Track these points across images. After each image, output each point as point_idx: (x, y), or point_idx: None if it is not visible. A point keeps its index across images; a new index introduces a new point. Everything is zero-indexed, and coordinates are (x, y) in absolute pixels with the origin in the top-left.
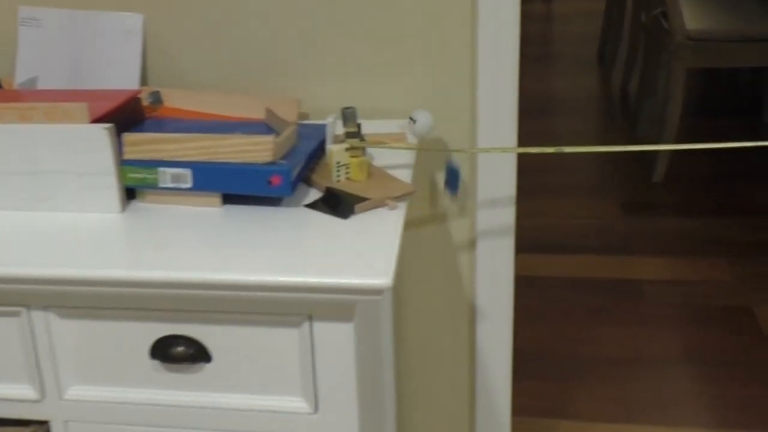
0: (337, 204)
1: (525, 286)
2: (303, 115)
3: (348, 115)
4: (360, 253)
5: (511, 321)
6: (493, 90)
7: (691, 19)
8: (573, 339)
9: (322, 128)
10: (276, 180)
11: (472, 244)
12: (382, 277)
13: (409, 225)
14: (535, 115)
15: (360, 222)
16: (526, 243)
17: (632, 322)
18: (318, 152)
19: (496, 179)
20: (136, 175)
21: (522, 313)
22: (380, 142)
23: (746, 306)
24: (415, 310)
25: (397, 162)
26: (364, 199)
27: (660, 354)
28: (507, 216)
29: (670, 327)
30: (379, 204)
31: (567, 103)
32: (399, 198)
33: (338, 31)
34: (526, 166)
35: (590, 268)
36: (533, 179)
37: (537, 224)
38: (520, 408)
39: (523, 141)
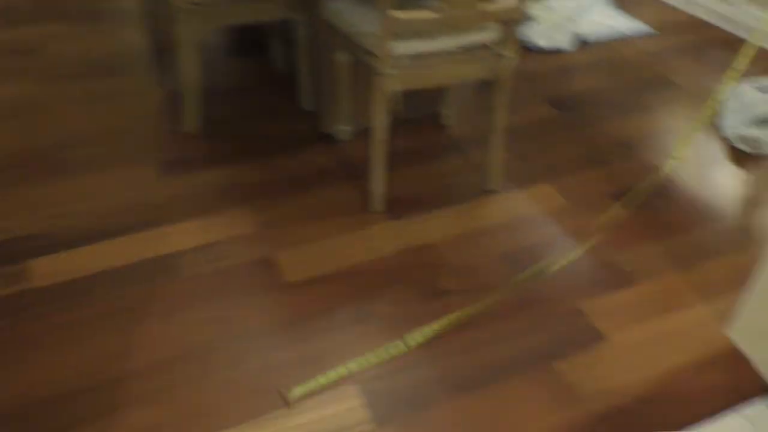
0: None
1: (46, 300)
2: None
3: None
4: None
5: None
6: None
7: None
8: (101, 356)
9: None
10: None
11: None
12: None
13: None
14: (95, 74)
15: None
16: (40, 244)
17: (170, 311)
18: None
19: None
20: None
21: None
22: None
23: (268, 257)
24: None
25: None
26: None
27: (202, 343)
28: None
29: (207, 304)
30: None
31: (116, 60)
32: None
33: None
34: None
35: (122, 253)
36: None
37: (51, 216)
38: None
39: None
